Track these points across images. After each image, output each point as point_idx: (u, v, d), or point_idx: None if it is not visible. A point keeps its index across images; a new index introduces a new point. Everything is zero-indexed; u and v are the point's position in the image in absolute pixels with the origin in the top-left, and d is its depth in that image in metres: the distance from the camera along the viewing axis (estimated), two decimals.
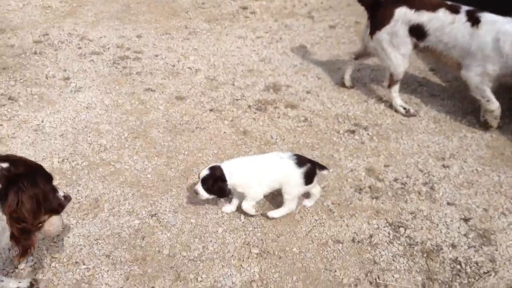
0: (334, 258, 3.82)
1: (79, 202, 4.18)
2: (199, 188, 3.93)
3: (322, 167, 4.10)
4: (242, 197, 4.09)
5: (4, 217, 2.73)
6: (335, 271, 3.70)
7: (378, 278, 3.67)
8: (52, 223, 3.07)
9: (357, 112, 5.72)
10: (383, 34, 5.49)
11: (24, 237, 2.79)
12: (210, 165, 3.98)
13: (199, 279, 3.60)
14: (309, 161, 4.07)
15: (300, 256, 3.82)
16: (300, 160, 4.01)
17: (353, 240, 3.99)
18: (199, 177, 3.95)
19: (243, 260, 3.76)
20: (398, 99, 5.76)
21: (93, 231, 3.94)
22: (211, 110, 5.62)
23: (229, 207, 4.19)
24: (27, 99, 5.55)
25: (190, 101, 5.76)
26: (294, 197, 4.05)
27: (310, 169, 3.99)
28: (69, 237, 3.85)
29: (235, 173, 3.93)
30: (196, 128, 5.28)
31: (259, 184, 3.99)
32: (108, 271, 3.62)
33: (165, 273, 3.63)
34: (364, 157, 4.95)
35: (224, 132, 5.23)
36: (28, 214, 2.74)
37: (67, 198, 3.16)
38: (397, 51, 5.50)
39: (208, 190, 3.92)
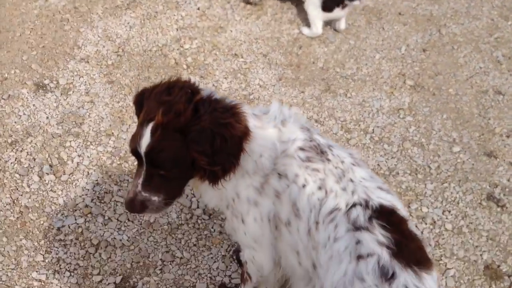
0: (491, 107, 3.62)
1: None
2: None
3: None
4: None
5: None
6: (489, 119, 3.53)
7: None
8: None
9: None
10: None
11: None
12: None
13: (348, 95, 3.62)
14: None
15: (455, 98, 3.67)
16: None
17: None
18: None
19: (395, 88, 3.70)
20: None
21: (254, 30, 4.03)
22: None
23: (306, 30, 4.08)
24: None
25: None
26: (313, 18, 3.95)
27: None
28: (231, 31, 3.99)
29: None
30: None
31: None
32: (263, 68, 3.75)
33: (316, 83, 3.69)
34: None
35: None
36: None
37: None
38: None
39: None
